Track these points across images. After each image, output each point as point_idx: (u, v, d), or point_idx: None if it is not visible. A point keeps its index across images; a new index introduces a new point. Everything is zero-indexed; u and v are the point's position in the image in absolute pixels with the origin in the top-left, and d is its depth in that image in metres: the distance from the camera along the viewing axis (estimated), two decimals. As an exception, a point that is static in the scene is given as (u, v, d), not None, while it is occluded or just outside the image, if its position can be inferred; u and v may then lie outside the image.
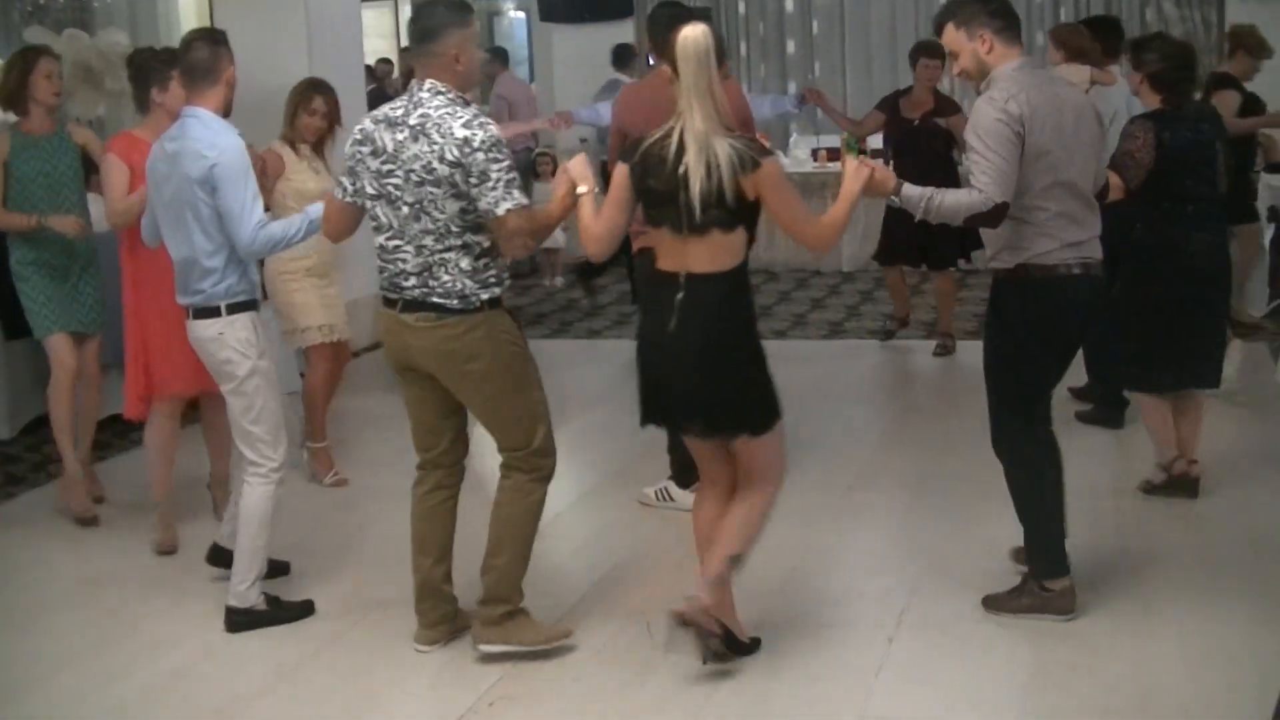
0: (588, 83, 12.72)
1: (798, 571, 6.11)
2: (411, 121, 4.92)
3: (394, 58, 17.95)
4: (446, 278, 4.96)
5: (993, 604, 5.52)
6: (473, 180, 4.82)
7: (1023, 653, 5.28)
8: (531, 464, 5.26)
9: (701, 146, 4.72)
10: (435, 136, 4.84)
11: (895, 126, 9.88)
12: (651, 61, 7.21)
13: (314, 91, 7.55)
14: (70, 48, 10.28)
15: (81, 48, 9.93)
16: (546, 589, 5.76)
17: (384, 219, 5.02)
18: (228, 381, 5.63)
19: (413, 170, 4.89)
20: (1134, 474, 6.91)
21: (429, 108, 4.92)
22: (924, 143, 9.60)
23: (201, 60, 5.58)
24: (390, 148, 4.94)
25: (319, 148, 7.57)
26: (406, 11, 19.15)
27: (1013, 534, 5.66)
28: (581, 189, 4.97)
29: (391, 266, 5.05)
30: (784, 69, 14.91)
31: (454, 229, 4.91)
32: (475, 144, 4.80)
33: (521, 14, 19.67)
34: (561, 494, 6.60)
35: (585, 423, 8.61)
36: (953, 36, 5.34)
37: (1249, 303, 10.33)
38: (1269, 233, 9.93)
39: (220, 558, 6.09)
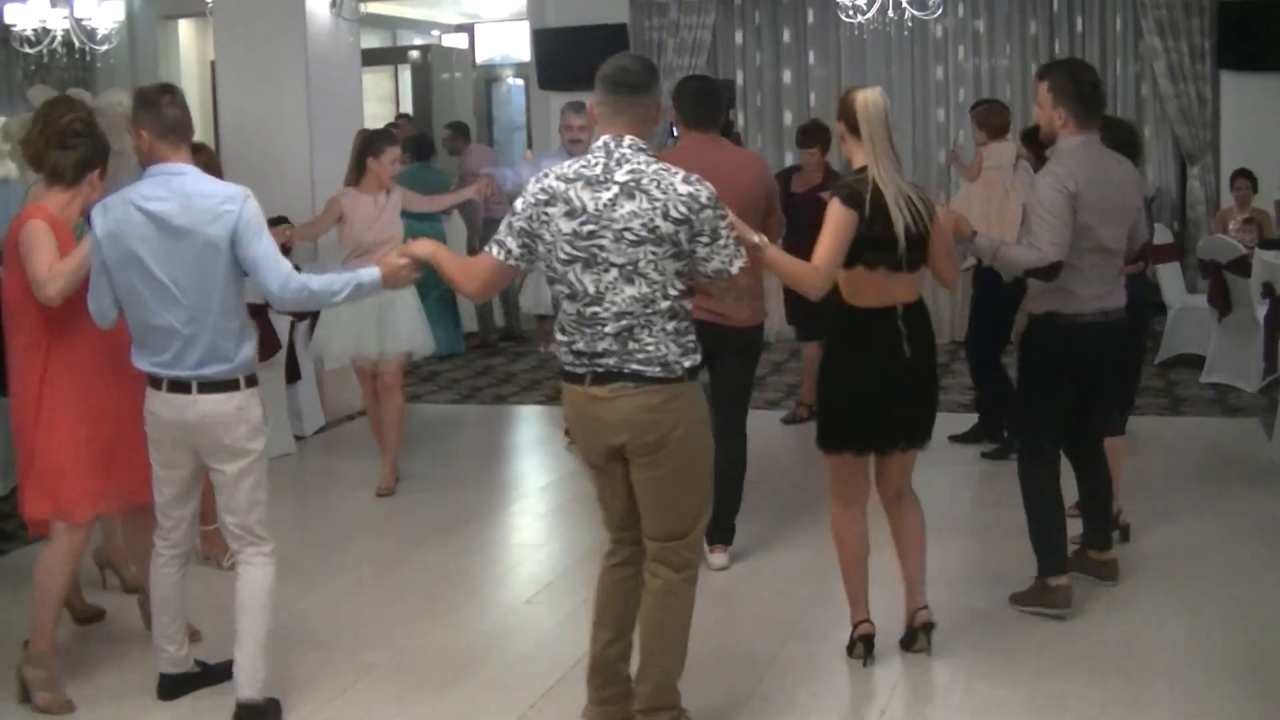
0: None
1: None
2: (619, 179, 4.56)
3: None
4: (650, 342, 4.59)
5: (1013, 599, 6.25)
6: (702, 239, 4.56)
7: None
8: (683, 559, 4.83)
9: (896, 194, 5.37)
10: (655, 193, 4.52)
11: (784, 198, 10.05)
12: (676, 132, 7.35)
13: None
14: (72, 106, 10.32)
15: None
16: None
17: (578, 285, 4.61)
18: (237, 459, 5.16)
19: (628, 229, 4.52)
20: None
21: (636, 163, 4.59)
22: (805, 213, 9.70)
23: (180, 116, 5.16)
24: (592, 207, 4.56)
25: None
26: (406, 76, 19.28)
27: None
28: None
29: (582, 337, 4.65)
30: (780, 139, 14.98)
31: (669, 290, 4.58)
32: (702, 200, 4.55)
33: (520, 81, 19.79)
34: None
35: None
36: (1042, 95, 6.00)
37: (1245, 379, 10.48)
38: (1263, 309, 9.98)
39: (182, 686, 5.52)
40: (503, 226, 4.76)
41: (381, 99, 19.07)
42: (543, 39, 15.19)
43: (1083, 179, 5.81)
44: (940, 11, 12.71)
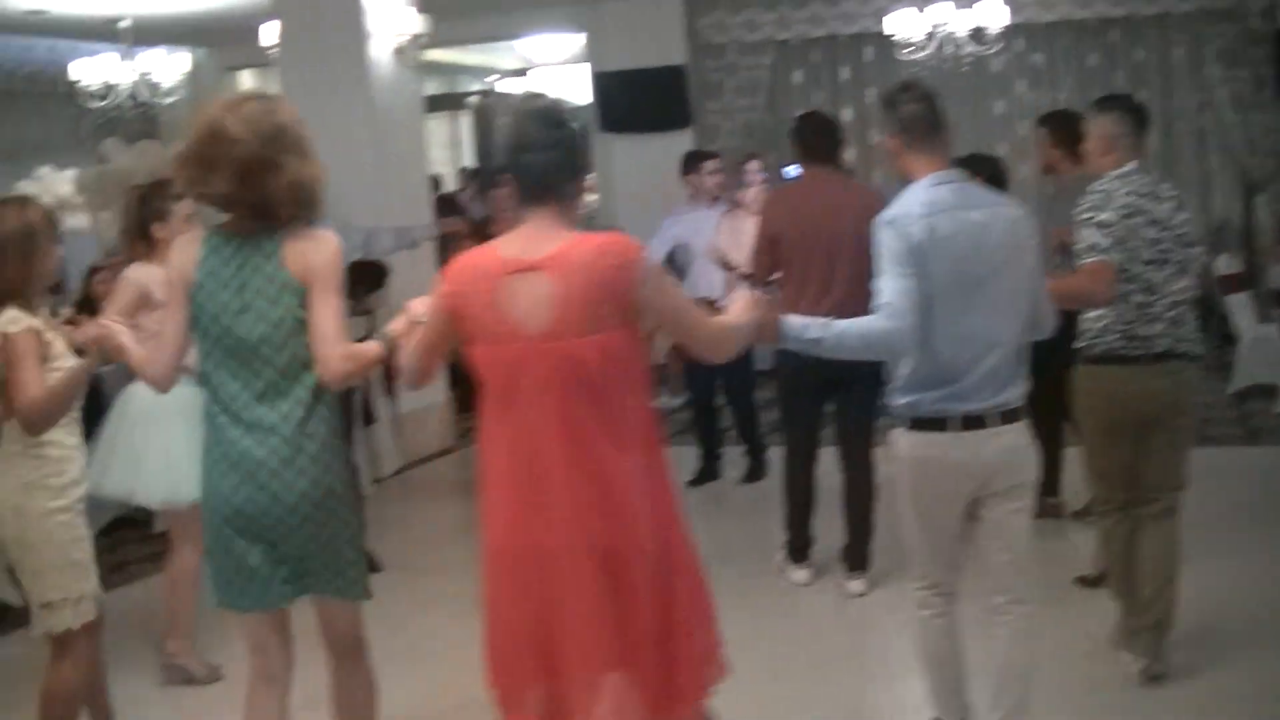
0: (647, 192, 12.79)
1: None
2: (1166, 195, 5.61)
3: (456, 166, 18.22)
4: (1187, 329, 5.60)
5: None
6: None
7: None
8: (1176, 500, 5.74)
9: None
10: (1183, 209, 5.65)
11: None
12: (798, 169, 7.41)
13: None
14: (144, 159, 10.48)
15: (155, 159, 10.12)
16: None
17: (1147, 280, 5.49)
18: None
19: (1183, 234, 5.57)
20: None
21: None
22: None
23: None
24: (1162, 216, 5.53)
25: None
26: (465, 122, 19.39)
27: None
28: None
29: (1142, 323, 5.51)
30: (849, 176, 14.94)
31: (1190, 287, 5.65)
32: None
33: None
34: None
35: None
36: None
37: None
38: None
39: None
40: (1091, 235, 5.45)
41: (443, 145, 19.19)
42: (602, 82, 15.26)
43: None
44: (999, 47, 12.69)
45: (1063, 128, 7.74)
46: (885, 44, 13.73)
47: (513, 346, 3.77)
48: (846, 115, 14.95)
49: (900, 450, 4.73)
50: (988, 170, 9.44)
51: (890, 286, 4.48)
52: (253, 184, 4.08)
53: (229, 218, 4.24)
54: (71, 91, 13.25)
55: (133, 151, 10.46)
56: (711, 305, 8.75)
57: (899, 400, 4.67)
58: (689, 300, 4.05)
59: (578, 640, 3.80)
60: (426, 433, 11.06)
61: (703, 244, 8.88)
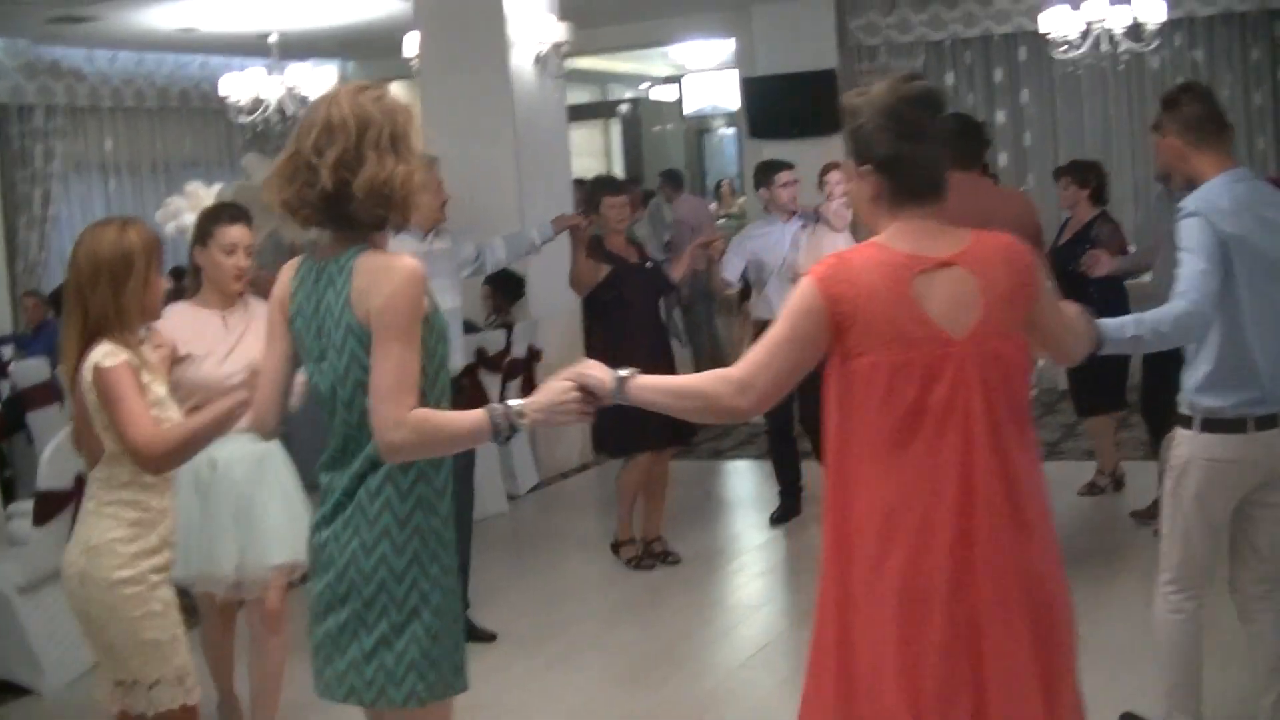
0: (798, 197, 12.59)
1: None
2: None
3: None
4: None
5: None
6: None
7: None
8: None
9: None
10: None
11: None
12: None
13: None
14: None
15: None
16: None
17: None
18: None
19: None
20: None
21: None
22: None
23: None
24: None
25: None
26: (616, 129, 19.33)
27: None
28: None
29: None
30: (994, 180, 14.64)
31: None
32: None
33: (731, 130, 19.71)
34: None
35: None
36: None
37: None
38: None
39: None
40: None
41: (593, 153, 19.16)
42: (752, 87, 15.16)
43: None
44: (1157, 43, 12.29)
45: None
46: (1039, 43, 13.34)
47: (931, 350, 3.26)
48: (1000, 117, 14.64)
49: (1188, 452, 4.73)
50: (1095, 178, 9.13)
51: (1191, 271, 4.50)
52: (336, 182, 3.44)
53: (319, 238, 3.71)
54: (222, 106, 13.35)
55: (273, 165, 10.45)
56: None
57: (1201, 401, 4.66)
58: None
59: (1003, 702, 3.26)
60: (565, 446, 10.95)
61: (778, 261, 8.61)
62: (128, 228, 4.31)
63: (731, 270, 8.82)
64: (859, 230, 7.97)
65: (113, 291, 4.21)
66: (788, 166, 9.06)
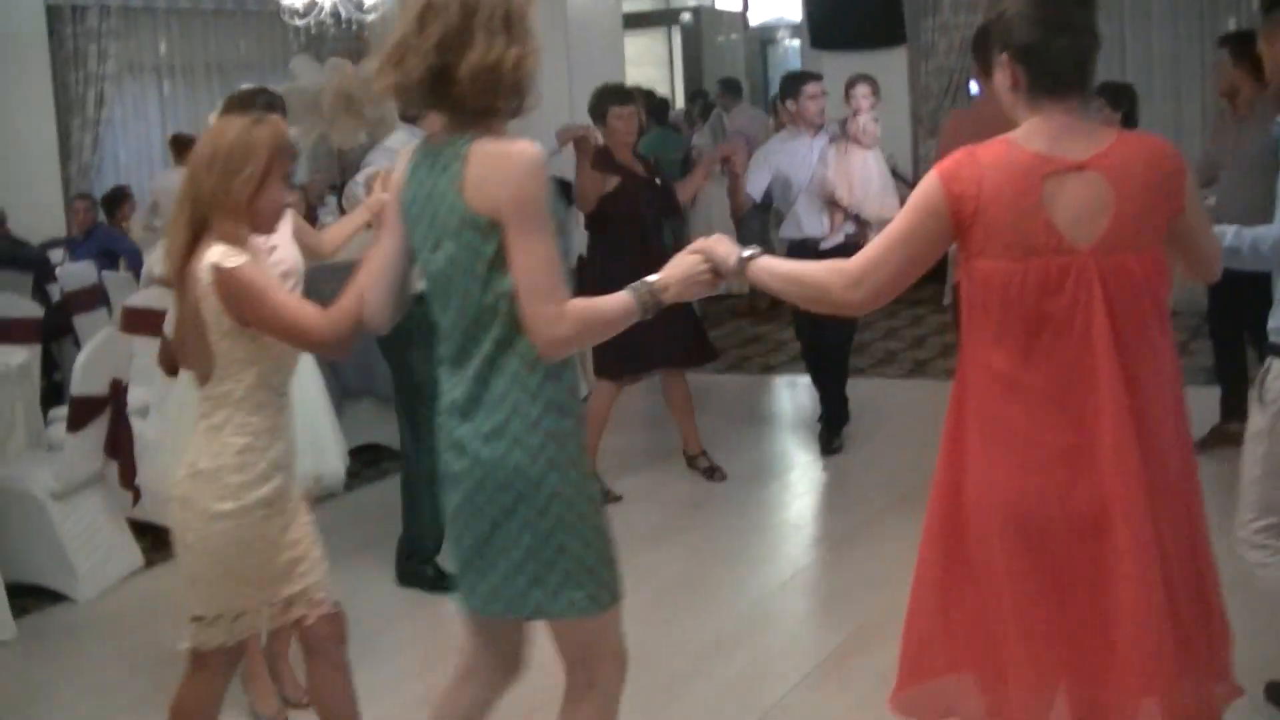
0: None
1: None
2: None
3: (669, 84, 17.94)
4: None
5: None
6: None
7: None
8: None
9: None
10: None
11: None
12: (978, 86, 6.84)
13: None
14: (333, 76, 10.35)
15: (344, 76, 10.00)
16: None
17: None
18: None
19: None
20: None
21: None
22: None
23: None
24: None
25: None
26: (677, 40, 19.07)
27: None
28: None
29: None
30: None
31: None
32: None
33: (796, 42, 19.42)
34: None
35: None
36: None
37: None
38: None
39: None
40: None
41: (653, 63, 18.91)
42: (815, -1, 14.85)
43: None
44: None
45: (1246, 49, 7.22)
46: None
47: (1055, 259, 3.10)
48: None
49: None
50: (1128, 101, 8.66)
51: None
52: (439, 64, 3.26)
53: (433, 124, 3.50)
54: (277, 9, 13.19)
55: (323, 69, 10.34)
56: (815, 246, 8.22)
57: None
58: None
59: (1127, 644, 3.08)
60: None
61: (805, 177, 8.31)
62: (260, 123, 3.91)
63: (756, 186, 8.41)
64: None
65: (224, 179, 3.81)
66: (816, 78, 8.64)
